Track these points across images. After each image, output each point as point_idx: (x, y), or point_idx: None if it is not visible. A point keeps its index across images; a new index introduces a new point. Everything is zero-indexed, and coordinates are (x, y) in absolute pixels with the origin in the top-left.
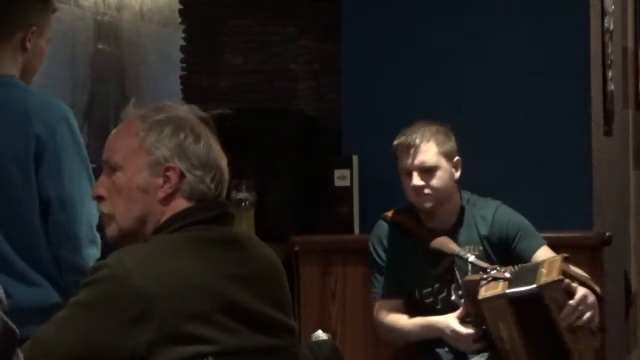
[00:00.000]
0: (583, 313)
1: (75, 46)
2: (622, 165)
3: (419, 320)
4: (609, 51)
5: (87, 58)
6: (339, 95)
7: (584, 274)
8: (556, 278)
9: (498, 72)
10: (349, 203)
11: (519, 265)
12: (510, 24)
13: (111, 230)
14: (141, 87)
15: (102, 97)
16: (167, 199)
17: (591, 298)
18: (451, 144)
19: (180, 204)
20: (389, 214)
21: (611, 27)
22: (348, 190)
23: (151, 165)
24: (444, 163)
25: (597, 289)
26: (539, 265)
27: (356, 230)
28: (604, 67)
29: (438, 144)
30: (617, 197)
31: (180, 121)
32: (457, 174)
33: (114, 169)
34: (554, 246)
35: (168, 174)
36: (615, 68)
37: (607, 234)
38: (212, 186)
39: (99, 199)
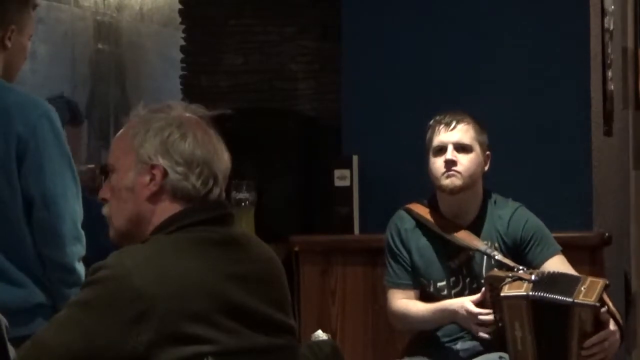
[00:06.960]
0: (605, 349)
1: (75, 46)
2: (622, 165)
3: (431, 305)
4: (609, 51)
5: (87, 58)
6: (339, 95)
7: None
8: (596, 303)
9: (498, 72)
10: (349, 203)
11: (550, 271)
12: (511, 24)
13: (110, 233)
14: (141, 87)
15: (102, 97)
16: (154, 198)
17: (617, 336)
18: (485, 138)
19: (165, 202)
20: (410, 205)
21: (611, 27)
22: (348, 190)
23: (137, 164)
24: (478, 149)
25: (622, 324)
26: (579, 279)
27: (356, 230)
28: (604, 67)
29: (475, 131)
30: (617, 197)
31: (169, 119)
32: (486, 168)
33: (111, 171)
34: None
35: (154, 172)
36: (615, 68)
37: (607, 234)
38: (198, 183)
39: (104, 201)
